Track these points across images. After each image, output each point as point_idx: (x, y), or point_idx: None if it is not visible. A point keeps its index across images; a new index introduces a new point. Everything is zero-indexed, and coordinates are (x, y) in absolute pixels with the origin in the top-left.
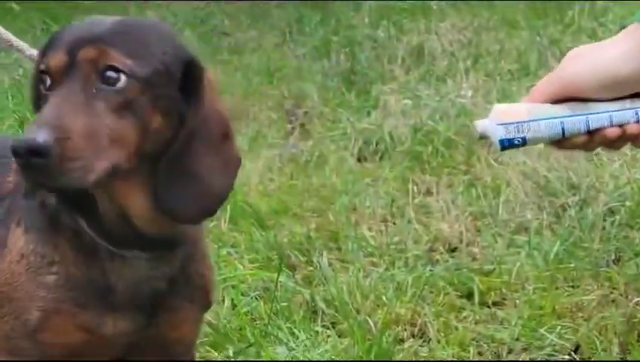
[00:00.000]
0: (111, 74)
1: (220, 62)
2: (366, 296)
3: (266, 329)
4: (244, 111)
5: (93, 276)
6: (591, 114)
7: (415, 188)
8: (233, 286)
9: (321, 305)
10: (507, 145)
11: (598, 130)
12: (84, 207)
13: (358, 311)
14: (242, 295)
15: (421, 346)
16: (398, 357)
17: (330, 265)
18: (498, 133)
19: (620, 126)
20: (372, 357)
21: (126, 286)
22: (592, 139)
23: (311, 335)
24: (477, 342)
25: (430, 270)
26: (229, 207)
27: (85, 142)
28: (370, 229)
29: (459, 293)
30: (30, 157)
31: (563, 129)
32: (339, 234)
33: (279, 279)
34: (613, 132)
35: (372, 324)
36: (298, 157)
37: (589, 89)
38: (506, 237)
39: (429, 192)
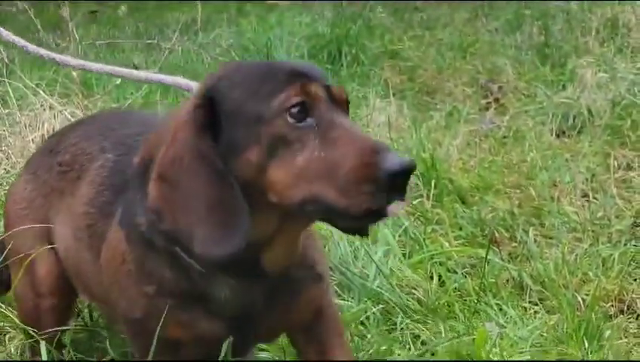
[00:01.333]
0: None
1: (412, 37)
2: (572, 272)
3: (475, 305)
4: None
5: (186, 288)
6: None
7: (615, 162)
8: (440, 263)
9: (528, 281)
10: None
11: None
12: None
13: (565, 288)
14: (449, 271)
15: (630, 322)
16: (608, 333)
17: (534, 241)
18: None
19: None
20: (582, 333)
21: (218, 298)
22: None
23: (519, 312)
24: None
25: (634, 245)
26: (432, 184)
27: None
28: (571, 205)
29: None
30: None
31: None
32: (541, 210)
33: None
34: None
35: (580, 301)
36: (495, 132)
37: None
38: None
39: (629, 167)
